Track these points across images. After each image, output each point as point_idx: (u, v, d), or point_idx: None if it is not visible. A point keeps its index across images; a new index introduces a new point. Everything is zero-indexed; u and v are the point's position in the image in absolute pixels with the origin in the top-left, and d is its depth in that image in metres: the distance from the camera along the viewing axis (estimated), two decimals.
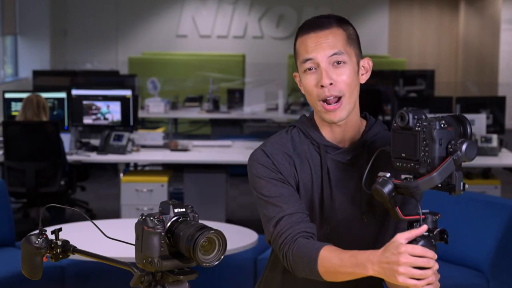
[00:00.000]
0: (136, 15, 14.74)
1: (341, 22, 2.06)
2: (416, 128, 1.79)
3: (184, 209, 1.88)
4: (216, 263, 1.81)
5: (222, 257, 1.82)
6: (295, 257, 1.95)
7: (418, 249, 1.74)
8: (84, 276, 4.72)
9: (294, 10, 14.81)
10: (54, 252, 1.99)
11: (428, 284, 1.76)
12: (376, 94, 9.27)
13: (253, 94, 10.05)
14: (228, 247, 1.86)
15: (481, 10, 15.43)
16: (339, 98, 2.00)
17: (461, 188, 1.80)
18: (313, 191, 2.05)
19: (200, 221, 1.88)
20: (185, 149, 6.89)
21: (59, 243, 1.99)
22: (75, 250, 1.99)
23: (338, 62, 2.00)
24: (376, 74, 11.16)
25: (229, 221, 6.67)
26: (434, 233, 1.81)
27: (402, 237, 1.76)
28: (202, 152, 6.88)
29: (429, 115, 1.84)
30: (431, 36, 15.76)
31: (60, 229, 2.01)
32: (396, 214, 1.83)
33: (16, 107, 7.07)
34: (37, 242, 1.97)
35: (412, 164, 1.81)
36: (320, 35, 2.01)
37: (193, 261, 1.82)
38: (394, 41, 15.54)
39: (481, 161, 6.56)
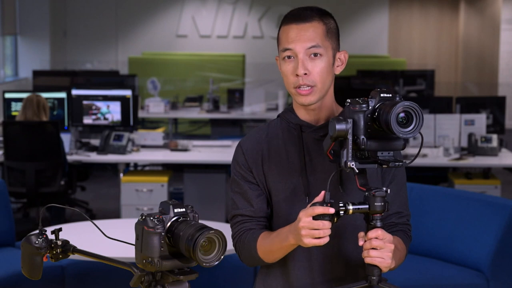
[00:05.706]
0: (136, 15, 14.74)
1: (323, 15, 2.17)
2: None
3: (184, 209, 1.88)
4: (216, 263, 1.81)
5: (222, 257, 1.82)
6: (241, 249, 2.20)
7: (317, 209, 1.93)
8: (84, 276, 4.72)
9: None
10: (54, 252, 1.99)
11: (372, 249, 1.96)
12: None
13: (253, 94, 10.04)
14: (228, 247, 1.86)
15: (481, 10, 15.42)
16: (311, 87, 2.13)
17: (343, 164, 1.97)
18: (290, 167, 2.18)
19: (200, 221, 1.88)
20: (185, 149, 6.88)
21: (59, 243, 1.99)
22: (75, 250, 1.99)
23: (315, 54, 2.13)
24: (376, 74, 11.17)
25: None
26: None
27: (301, 211, 1.97)
28: (202, 152, 6.88)
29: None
30: (431, 36, 15.74)
31: (60, 229, 2.01)
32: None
33: (16, 107, 7.07)
34: (37, 242, 1.97)
35: None
36: (301, 27, 2.13)
37: (193, 261, 1.82)
38: (394, 41, 15.53)
39: (481, 161, 6.56)
